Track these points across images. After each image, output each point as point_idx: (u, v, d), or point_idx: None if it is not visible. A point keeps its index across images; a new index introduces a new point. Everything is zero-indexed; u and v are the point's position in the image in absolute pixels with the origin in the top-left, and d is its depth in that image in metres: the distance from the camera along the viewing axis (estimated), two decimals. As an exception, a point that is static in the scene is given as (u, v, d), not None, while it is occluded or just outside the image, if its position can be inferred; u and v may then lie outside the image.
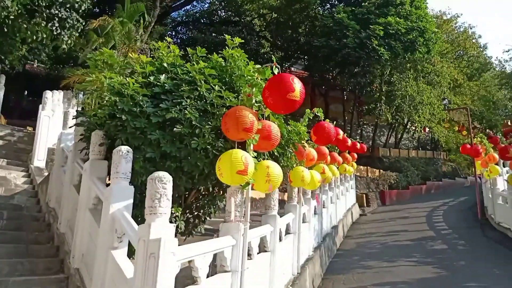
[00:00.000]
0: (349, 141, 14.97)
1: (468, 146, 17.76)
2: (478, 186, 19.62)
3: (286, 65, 33.92)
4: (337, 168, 16.17)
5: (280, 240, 7.21)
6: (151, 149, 5.27)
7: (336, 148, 15.49)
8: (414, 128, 29.22)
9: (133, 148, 5.19)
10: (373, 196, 25.08)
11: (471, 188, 30.10)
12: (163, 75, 5.83)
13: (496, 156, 16.72)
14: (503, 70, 41.62)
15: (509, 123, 34.53)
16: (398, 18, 25.23)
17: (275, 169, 5.36)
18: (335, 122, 19.31)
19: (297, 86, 4.92)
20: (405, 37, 25.38)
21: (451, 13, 39.07)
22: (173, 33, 34.99)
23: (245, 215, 5.17)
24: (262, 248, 6.38)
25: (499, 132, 31.07)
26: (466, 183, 36.60)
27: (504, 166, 19.83)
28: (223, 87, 5.77)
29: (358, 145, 18.58)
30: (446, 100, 25.22)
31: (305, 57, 34.20)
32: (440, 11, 41.47)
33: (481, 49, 39.82)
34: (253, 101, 5.34)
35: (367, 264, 11.45)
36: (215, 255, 4.71)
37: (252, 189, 5.32)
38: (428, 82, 28.72)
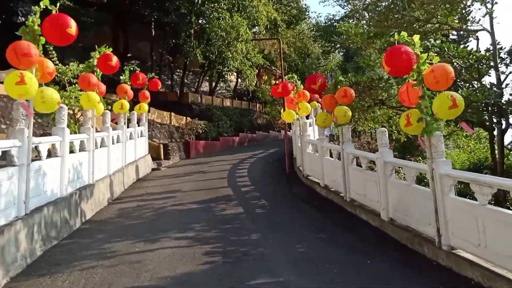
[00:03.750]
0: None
1: (279, 86, 14.51)
2: (287, 134, 16.89)
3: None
4: (104, 102, 11.26)
5: None
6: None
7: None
8: (226, 70, 25.38)
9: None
10: (176, 147, 20.84)
11: (284, 141, 28.71)
12: None
13: (307, 93, 13.88)
14: (317, 22, 41.40)
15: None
16: None
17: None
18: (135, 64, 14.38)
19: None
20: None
21: None
22: None
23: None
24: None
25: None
26: (280, 137, 35.64)
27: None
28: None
29: (140, 78, 13.92)
30: (256, 28, 21.79)
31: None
32: None
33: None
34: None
35: (111, 249, 6.88)
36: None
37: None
38: (244, 18, 25.11)
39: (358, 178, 9.50)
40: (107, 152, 11.64)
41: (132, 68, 14.06)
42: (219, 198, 11.10)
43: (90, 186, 9.61)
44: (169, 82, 30.48)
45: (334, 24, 37.25)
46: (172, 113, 23.11)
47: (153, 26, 27.74)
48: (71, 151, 9.04)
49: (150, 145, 18.33)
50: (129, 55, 28.83)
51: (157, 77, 17.11)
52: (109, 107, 11.94)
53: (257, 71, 32.92)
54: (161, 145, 19.27)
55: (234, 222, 8.62)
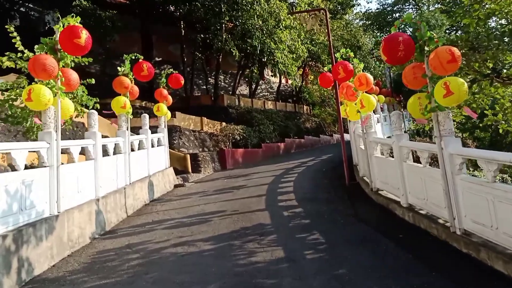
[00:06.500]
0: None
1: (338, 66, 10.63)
2: (343, 134, 12.92)
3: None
4: (87, 99, 8.09)
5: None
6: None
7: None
8: (272, 63, 21.89)
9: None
10: (208, 157, 17.47)
11: (338, 146, 24.68)
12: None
13: (370, 78, 9.98)
14: (368, 11, 36.72)
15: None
16: None
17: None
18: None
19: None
20: None
21: None
22: None
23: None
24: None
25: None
26: (332, 141, 31.68)
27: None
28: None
29: (145, 69, 10.71)
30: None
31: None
32: None
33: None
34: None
35: None
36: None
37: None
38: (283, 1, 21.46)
39: (478, 197, 5.54)
40: (93, 167, 8.34)
41: (135, 57, 10.78)
42: (249, 230, 7.44)
43: (48, 221, 6.27)
44: (204, 87, 27.45)
45: (387, 8, 32.73)
46: (204, 118, 19.79)
47: (182, 26, 24.82)
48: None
49: (174, 155, 15.06)
50: (158, 59, 26.12)
51: (176, 72, 13.86)
52: (90, 107, 8.72)
53: (301, 70, 29.18)
54: (188, 156, 15.91)
55: (266, 283, 4.91)
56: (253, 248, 6.26)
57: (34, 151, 6.60)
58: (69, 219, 6.86)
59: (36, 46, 7.28)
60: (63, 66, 7.18)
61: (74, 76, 7.27)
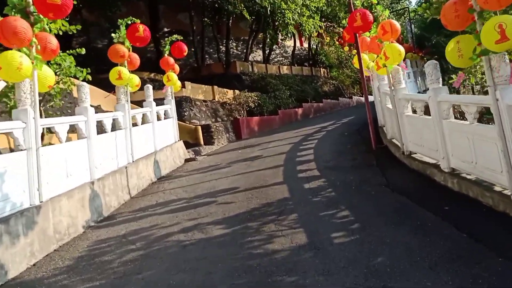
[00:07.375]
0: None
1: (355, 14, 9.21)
2: (367, 93, 11.57)
3: None
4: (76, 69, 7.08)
5: None
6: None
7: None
8: (283, 25, 20.51)
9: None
10: (221, 127, 16.43)
11: (358, 108, 23.39)
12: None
13: (396, 25, 8.52)
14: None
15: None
16: None
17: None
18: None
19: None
20: None
21: None
22: None
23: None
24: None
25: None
26: (352, 103, 30.30)
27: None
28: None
29: (141, 30, 9.53)
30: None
31: None
32: None
33: None
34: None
35: None
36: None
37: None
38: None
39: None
40: (86, 146, 7.38)
41: (131, 21, 9.60)
42: (266, 208, 6.42)
43: (26, 213, 5.35)
44: (216, 55, 26.14)
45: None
46: (215, 87, 18.65)
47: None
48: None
49: (184, 128, 14.09)
50: (167, 29, 24.84)
51: (180, 38, 12.67)
52: (81, 79, 7.72)
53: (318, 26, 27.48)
54: (199, 127, 14.91)
55: (284, 282, 3.89)
56: (270, 232, 5.24)
57: (7, 133, 5.62)
58: (55, 208, 5.93)
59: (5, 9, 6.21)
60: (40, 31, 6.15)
61: (53, 40, 6.21)
